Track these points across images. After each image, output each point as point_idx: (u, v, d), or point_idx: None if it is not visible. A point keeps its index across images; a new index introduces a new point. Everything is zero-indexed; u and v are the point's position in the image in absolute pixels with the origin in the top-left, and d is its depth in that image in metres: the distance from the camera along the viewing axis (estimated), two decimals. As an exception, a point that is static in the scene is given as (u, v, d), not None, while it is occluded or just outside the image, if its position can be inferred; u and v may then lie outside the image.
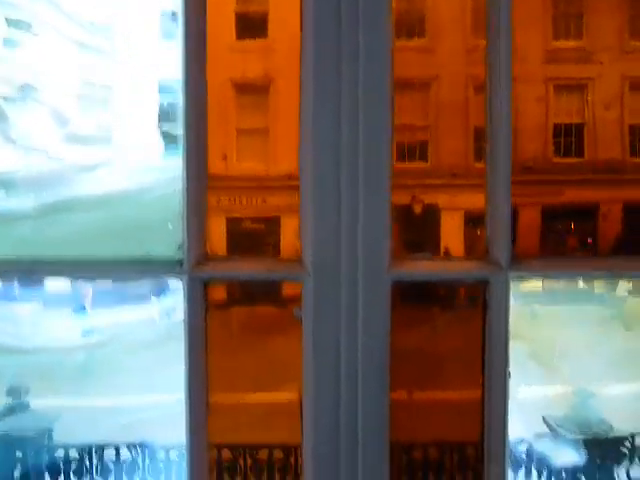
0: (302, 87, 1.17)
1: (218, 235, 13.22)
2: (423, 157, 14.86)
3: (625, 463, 5.87)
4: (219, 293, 11.85)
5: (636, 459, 5.92)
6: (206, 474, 1.29)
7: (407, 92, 13.50)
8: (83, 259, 1.23)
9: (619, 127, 13.33)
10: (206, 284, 1.22)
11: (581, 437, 5.34)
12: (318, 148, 1.13)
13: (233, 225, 14.19)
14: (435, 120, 14.68)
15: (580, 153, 13.54)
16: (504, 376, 1.27)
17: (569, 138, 13.62)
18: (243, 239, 13.84)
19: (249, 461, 4.65)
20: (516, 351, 1.25)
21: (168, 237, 1.23)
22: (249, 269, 1.22)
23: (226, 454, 4.75)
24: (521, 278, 1.23)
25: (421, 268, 1.22)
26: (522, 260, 1.21)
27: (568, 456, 5.42)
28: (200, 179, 1.23)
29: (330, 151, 1.13)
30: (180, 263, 1.19)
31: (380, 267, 1.18)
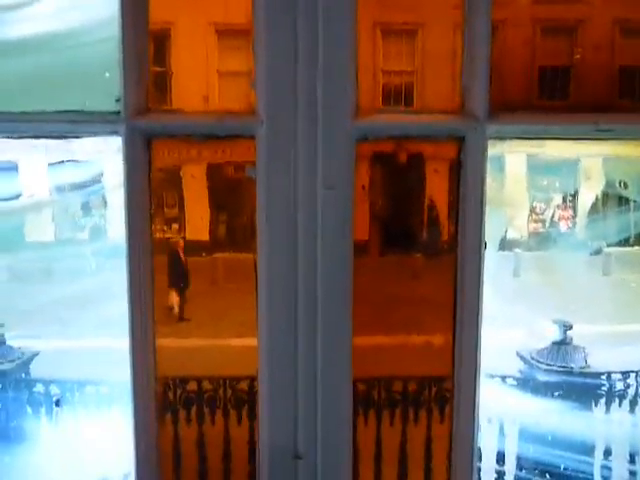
0: None
1: (200, 182, 12.99)
2: (409, 102, 14.62)
3: (601, 401, 5.92)
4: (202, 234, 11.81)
5: (613, 397, 5.98)
6: (152, 407, 1.21)
7: (393, 38, 13.18)
8: (5, 112, 1.09)
9: (608, 70, 13.13)
10: (149, 140, 1.09)
11: (557, 370, 5.36)
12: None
13: (214, 172, 13.95)
14: (422, 65, 14.40)
15: (566, 96, 13.37)
16: (479, 248, 1.16)
17: (555, 82, 13.42)
18: (225, 186, 13.63)
19: (229, 392, 4.61)
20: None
21: (105, 88, 1.09)
22: (196, 120, 1.09)
23: (206, 386, 4.71)
24: (499, 136, 1.11)
25: (389, 121, 1.09)
26: (500, 113, 1.08)
27: (542, 392, 5.44)
28: (139, 21, 1.08)
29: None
30: (117, 114, 1.05)
31: (343, 117, 1.05)
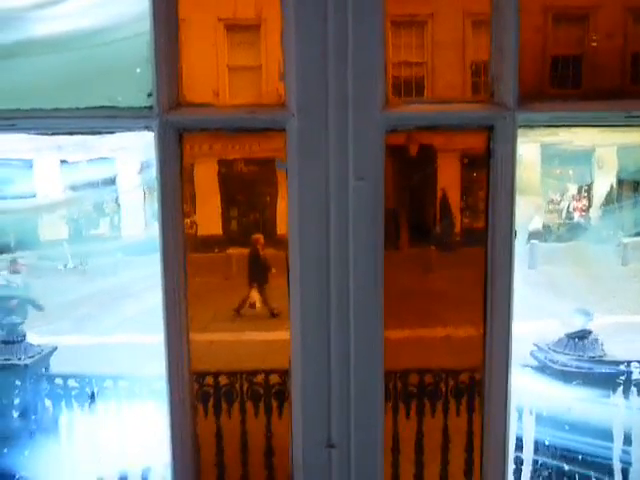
0: None
1: (210, 178, 13.06)
2: (420, 94, 14.55)
3: (619, 389, 5.87)
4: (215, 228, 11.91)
5: (631, 386, 5.93)
6: (187, 401, 1.22)
7: (403, 30, 13.17)
8: (39, 110, 1.11)
9: (621, 57, 12.98)
10: (181, 134, 1.10)
11: (576, 359, 5.32)
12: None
13: (226, 168, 13.99)
14: (431, 57, 14.35)
15: (578, 84, 13.25)
16: (510, 237, 1.16)
17: (567, 70, 13.29)
18: (236, 182, 13.69)
19: (245, 385, 4.63)
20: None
21: (137, 84, 1.10)
22: (228, 113, 1.10)
23: (223, 380, 4.73)
24: (529, 124, 1.11)
25: (419, 111, 1.09)
26: (530, 101, 1.08)
27: (561, 380, 5.41)
28: (170, 16, 1.09)
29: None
30: (150, 109, 1.07)
31: (372, 108, 1.05)
